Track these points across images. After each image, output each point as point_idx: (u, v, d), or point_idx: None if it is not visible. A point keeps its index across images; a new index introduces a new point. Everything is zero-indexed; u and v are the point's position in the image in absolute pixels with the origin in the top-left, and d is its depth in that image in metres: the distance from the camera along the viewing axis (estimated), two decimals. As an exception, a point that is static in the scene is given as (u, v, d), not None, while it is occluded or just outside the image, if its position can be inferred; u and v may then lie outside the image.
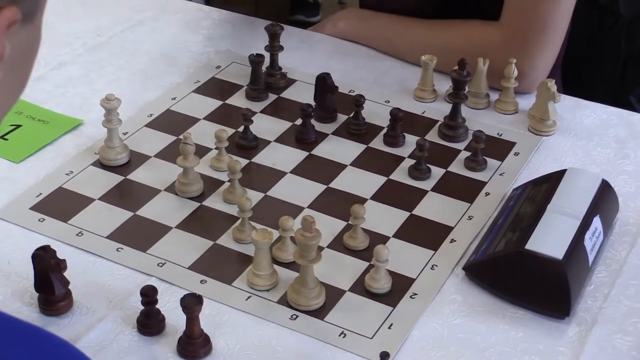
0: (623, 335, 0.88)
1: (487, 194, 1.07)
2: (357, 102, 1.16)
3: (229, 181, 1.04)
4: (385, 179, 1.09)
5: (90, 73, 1.28)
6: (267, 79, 1.27)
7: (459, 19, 1.33)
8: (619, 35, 1.47)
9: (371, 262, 0.92)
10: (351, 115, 1.18)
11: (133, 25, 1.43)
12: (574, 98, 1.25)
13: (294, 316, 0.88)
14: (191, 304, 0.81)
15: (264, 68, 1.27)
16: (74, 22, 1.44)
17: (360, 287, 0.92)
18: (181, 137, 1.06)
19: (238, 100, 1.24)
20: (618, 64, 1.45)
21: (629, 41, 1.45)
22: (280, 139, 1.16)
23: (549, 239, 0.90)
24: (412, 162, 1.10)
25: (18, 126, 1.15)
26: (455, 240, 0.99)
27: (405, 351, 0.85)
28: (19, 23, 0.56)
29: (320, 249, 0.90)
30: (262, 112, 1.21)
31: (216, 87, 1.27)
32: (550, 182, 1.00)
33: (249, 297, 0.91)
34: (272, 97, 1.25)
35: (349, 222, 0.98)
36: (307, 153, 1.13)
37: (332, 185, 1.07)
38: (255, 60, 1.24)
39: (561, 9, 1.25)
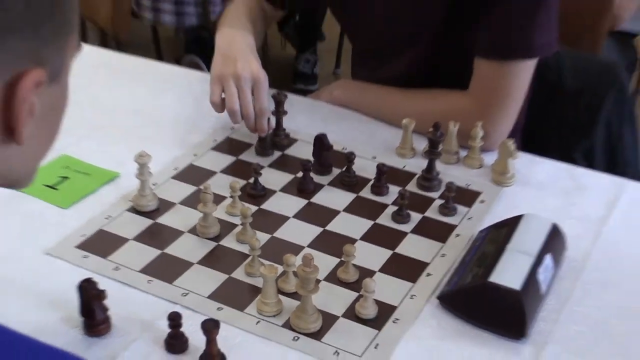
0: (569, 355, 0.89)
1: (457, 235, 1.08)
2: (349, 158, 1.18)
3: (241, 224, 1.05)
4: (372, 222, 1.10)
5: (126, 134, 1.29)
6: (273, 139, 1.28)
7: (435, 89, 1.34)
8: (564, 104, 1.48)
9: (360, 293, 0.93)
10: (344, 169, 1.19)
11: (162, 93, 1.45)
12: (530, 155, 1.27)
13: (296, 338, 0.90)
14: (210, 327, 0.83)
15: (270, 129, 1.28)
16: (114, 91, 1.45)
17: (351, 313, 0.93)
18: (201, 187, 1.09)
19: (249, 156, 1.26)
20: (565, 127, 1.47)
21: (572, 110, 1.48)
22: (284, 189, 1.17)
23: (508, 273, 0.92)
24: (395, 208, 1.12)
25: (66, 178, 1.17)
26: (430, 274, 1.00)
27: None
28: (46, 83, 0.57)
29: (318, 281, 0.92)
30: (269, 166, 1.22)
31: (231, 145, 1.28)
32: (509, 226, 1.01)
33: (258, 322, 0.92)
34: (277, 153, 1.26)
35: (342, 259, 0.99)
36: (306, 201, 1.15)
37: (328, 228, 1.09)
38: None
39: (519, 83, 1.27)
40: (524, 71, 1.27)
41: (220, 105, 1.20)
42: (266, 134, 1.17)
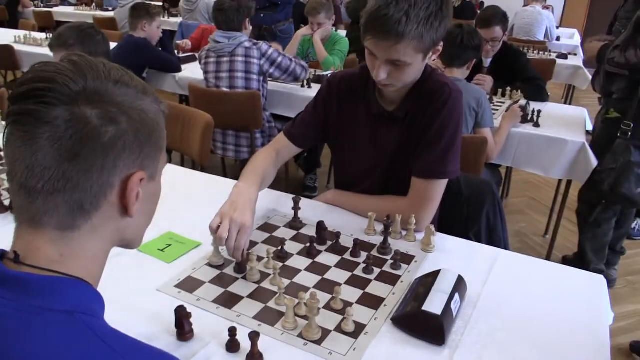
0: (471, 354, 0.87)
1: (402, 281, 1.07)
2: (337, 235, 1.17)
3: (273, 274, 1.04)
4: (351, 273, 1.08)
5: (206, 220, 1.29)
6: (291, 224, 1.27)
7: (387, 196, 1.33)
8: (462, 205, 1.49)
9: (344, 316, 0.91)
10: (334, 242, 1.18)
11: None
12: (443, 234, 1.26)
13: (305, 344, 0.88)
14: (253, 336, 0.82)
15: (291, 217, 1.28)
16: (200, 196, 1.46)
17: (339, 329, 0.91)
18: (250, 251, 1.07)
19: (278, 233, 1.23)
20: (462, 219, 1.47)
21: (466, 208, 1.49)
22: (299, 253, 1.15)
23: (433, 304, 0.91)
24: (364, 265, 1.10)
25: (169, 245, 1.16)
26: (386, 305, 0.99)
27: (361, 361, 0.84)
28: (147, 180, 0.58)
29: (319, 309, 0.90)
30: (290, 239, 1.20)
31: (268, 227, 1.26)
32: (432, 276, 1.00)
33: (282, 333, 0.90)
34: (294, 232, 1.24)
35: (333, 295, 0.97)
36: (312, 260, 1.13)
37: (325, 276, 1.07)
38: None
39: (437, 193, 1.27)
40: (440, 186, 1.27)
41: (215, 231, 1.07)
42: (240, 260, 1.06)
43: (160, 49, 3.18)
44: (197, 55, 3.59)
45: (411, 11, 1.06)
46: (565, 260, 2.55)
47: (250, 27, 2.75)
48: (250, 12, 2.69)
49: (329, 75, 1.43)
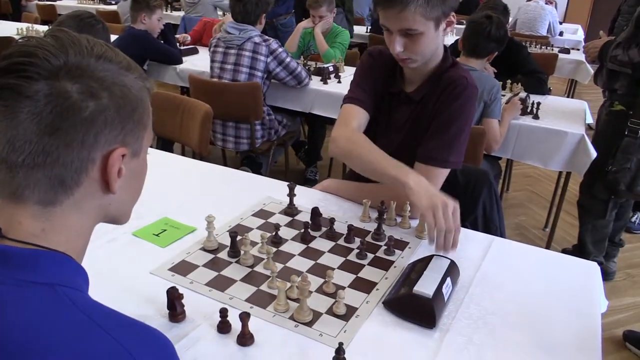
0: (461, 336, 0.88)
1: (395, 267, 1.07)
2: (331, 221, 1.17)
3: (266, 258, 1.04)
4: (344, 258, 1.08)
5: (200, 205, 1.28)
6: (286, 210, 1.27)
7: (382, 184, 1.29)
8: (459, 193, 1.44)
9: (336, 299, 0.91)
10: (328, 228, 1.18)
11: (226, 184, 1.45)
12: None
13: (296, 325, 0.88)
14: (244, 316, 0.82)
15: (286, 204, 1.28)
16: (197, 184, 1.46)
17: (330, 311, 0.92)
18: (244, 236, 1.07)
19: (273, 219, 1.23)
20: (460, 207, 1.46)
21: (464, 196, 1.45)
22: (293, 239, 1.15)
23: (425, 287, 0.91)
24: (358, 251, 1.10)
25: (165, 230, 1.16)
26: (378, 289, 0.99)
27: (353, 344, 0.85)
28: (129, 157, 0.58)
29: (310, 292, 0.91)
30: (284, 225, 1.20)
31: (263, 213, 1.27)
32: (425, 261, 1.00)
33: (274, 315, 0.90)
34: (289, 218, 1.24)
35: (325, 279, 0.98)
36: (306, 245, 1.13)
37: (318, 261, 1.07)
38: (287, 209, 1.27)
39: (437, 181, 1.25)
40: (440, 175, 1.26)
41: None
42: (455, 246, 1.04)
43: (163, 41, 3.18)
44: (198, 47, 3.61)
45: None
46: (565, 253, 2.54)
47: (264, 22, 2.73)
48: (267, 8, 2.67)
49: (368, 48, 1.42)
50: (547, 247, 2.51)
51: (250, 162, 2.95)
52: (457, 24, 4.39)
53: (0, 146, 0.52)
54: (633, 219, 2.84)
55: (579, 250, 2.39)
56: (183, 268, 1.03)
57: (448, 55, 1.31)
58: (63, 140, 0.52)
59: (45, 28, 4.25)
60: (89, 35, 0.58)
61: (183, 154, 2.49)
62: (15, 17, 5.73)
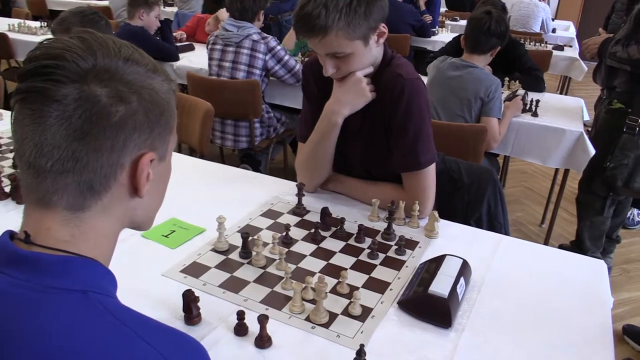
0: (477, 336, 0.88)
1: (406, 266, 1.07)
2: (341, 221, 1.17)
3: (279, 259, 1.04)
4: (356, 258, 1.08)
5: (210, 206, 1.28)
6: (295, 210, 1.27)
7: (389, 183, 1.31)
8: (463, 192, 1.48)
9: (351, 300, 0.92)
10: (338, 227, 1.18)
11: (228, 184, 1.44)
12: (446, 221, 1.26)
13: (313, 327, 0.88)
14: (262, 319, 0.82)
15: (295, 204, 1.28)
16: (201, 181, 1.45)
17: (346, 312, 0.92)
18: (255, 237, 1.07)
19: (283, 219, 1.23)
20: (464, 205, 1.46)
21: (468, 195, 1.48)
22: (304, 239, 1.15)
23: (439, 287, 0.91)
24: (369, 251, 1.10)
25: (173, 231, 1.16)
26: (392, 289, 0.99)
27: (370, 345, 0.85)
28: (157, 161, 0.58)
29: (326, 293, 0.90)
30: (294, 225, 1.20)
31: (272, 213, 1.26)
32: (437, 261, 1.01)
33: (290, 317, 0.90)
34: (298, 218, 1.24)
35: (339, 280, 0.98)
36: (317, 246, 1.13)
37: (330, 261, 1.07)
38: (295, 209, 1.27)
39: (426, 181, 1.25)
40: (425, 175, 1.25)
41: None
42: None
43: (161, 37, 3.15)
44: (194, 44, 3.59)
45: (329, 3, 1.06)
46: (562, 249, 2.57)
47: (262, 19, 2.71)
48: (265, 4, 2.66)
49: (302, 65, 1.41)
50: (545, 243, 2.53)
51: (249, 159, 2.94)
52: (451, 20, 4.40)
53: (28, 151, 0.51)
54: (628, 215, 2.88)
55: (576, 246, 2.41)
56: (195, 270, 1.02)
57: (387, 56, 1.25)
58: (92, 146, 0.51)
59: (37, 24, 4.19)
60: (137, 49, 0.57)
61: (179, 151, 2.48)
62: (5, 12, 5.63)
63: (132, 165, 0.55)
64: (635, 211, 2.92)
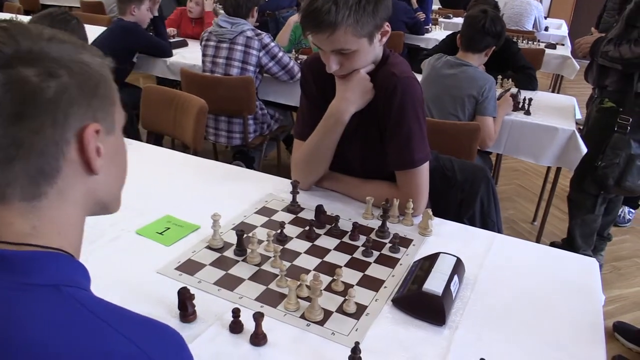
0: (470, 333, 0.89)
1: (400, 264, 1.07)
2: (336, 219, 1.18)
3: (273, 257, 1.04)
4: (350, 256, 1.09)
5: (203, 203, 1.28)
6: (289, 207, 1.27)
7: (382, 181, 1.31)
8: (457, 190, 1.49)
9: (346, 297, 0.92)
10: (332, 225, 1.18)
11: (221, 180, 1.44)
12: (439, 219, 1.26)
13: (308, 324, 0.88)
14: (258, 316, 0.82)
15: (289, 201, 1.28)
16: (194, 178, 1.44)
17: (340, 310, 0.92)
18: (250, 234, 1.07)
19: (277, 217, 1.23)
20: (457, 203, 1.46)
21: (461, 193, 1.49)
22: (298, 236, 1.15)
23: (433, 285, 0.92)
24: (363, 248, 1.10)
25: (168, 228, 1.15)
26: (386, 287, 0.99)
27: (364, 343, 0.85)
28: (104, 134, 0.56)
29: (321, 291, 0.91)
30: (289, 223, 1.20)
31: (266, 210, 1.26)
32: (431, 259, 1.01)
33: (285, 315, 0.90)
34: (292, 216, 1.24)
35: (334, 277, 0.98)
36: (311, 243, 1.13)
37: (325, 259, 1.07)
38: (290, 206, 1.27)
39: (420, 179, 1.26)
40: (419, 173, 1.25)
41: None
42: None
43: (154, 32, 3.13)
44: (187, 40, 3.56)
45: None
46: (554, 246, 2.59)
47: (257, 16, 2.71)
48: (259, 1, 2.65)
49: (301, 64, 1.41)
50: (537, 240, 2.55)
51: (242, 156, 2.93)
52: (444, 18, 4.41)
53: None
54: (619, 213, 2.91)
55: (568, 244, 2.43)
56: (190, 267, 1.02)
57: (384, 54, 1.25)
58: (31, 127, 0.50)
59: (28, 18, 4.14)
60: (64, 32, 0.57)
61: (173, 148, 2.48)
62: (-3, 7, 5.55)
63: (77, 140, 0.53)
64: (627, 209, 2.95)
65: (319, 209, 1.20)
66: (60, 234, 0.54)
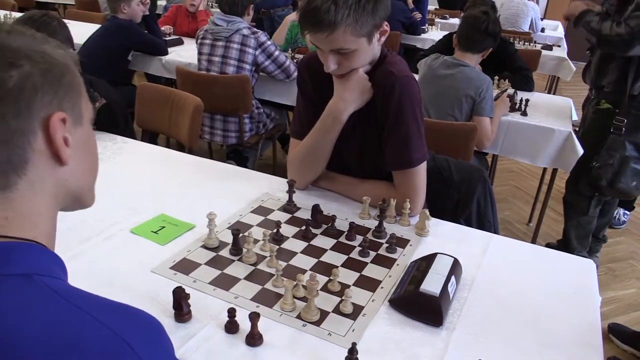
0: (468, 335, 0.88)
1: (397, 264, 1.07)
2: (332, 219, 1.17)
3: (269, 256, 1.03)
4: (347, 256, 1.08)
5: (199, 202, 1.27)
6: (286, 207, 1.26)
7: (379, 181, 1.31)
8: (453, 190, 1.49)
9: (342, 298, 0.92)
10: (329, 225, 1.17)
11: (216, 179, 1.43)
12: (436, 219, 1.26)
13: (304, 325, 0.88)
14: (254, 316, 0.81)
15: (285, 201, 1.27)
16: (188, 176, 1.43)
17: (337, 310, 0.92)
18: (245, 234, 1.06)
19: (273, 216, 1.23)
20: (454, 204, 1.46)
21: (458, 193, 1.48)
22: (295, 236, 1.15)
23: (430, 286, 0.91)
24: (360, 248, 1.10)
25: (163, 227, 1.15)
26: (383, 287, 0.99)
27: (361, 343, 0.84)
28: (72, 125, 0.56)
29: (318, 291, 0.90)
30: (285, 222, 1.19)
31: (262, 210, 1.26)
32: (428, 260, 1.01)
33: (281, 315, 0.90)
34: (288, 215, 1.23)
35: (330, 277, 0.97)
36: (307, 243, 1.12)
37: (321, 259, 1.07)
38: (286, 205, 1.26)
39: (417, 179, 1.25)
40: (417, 173, 1.24)
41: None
42: None
43: (147, 31, 3.11)
44: (183, 38, 3.55)
45: None
46: (549, 247, 2.59)
47: (252, 14, 2.70)
48: None
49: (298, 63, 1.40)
50: (532, 241, 2.56)
51: (237, 155, 2.92)
52: (441, 18, 4.41)
53: None
54: (614, 215, 2.92)
55: (563, 246, 2.44)
56: (185, 266, 1.01)
57: (382, 53, 1.25)
58: None
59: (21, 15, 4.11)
60: (45, 34, 0.56)
61: (168, 146, 2.46)
62: (-11, 3, 5.51)
63: (44, 130, 0.53)
64: (622, 211, 2.96)
65: (316, 209, 1.19)
66: (33, 226, 0.54)
